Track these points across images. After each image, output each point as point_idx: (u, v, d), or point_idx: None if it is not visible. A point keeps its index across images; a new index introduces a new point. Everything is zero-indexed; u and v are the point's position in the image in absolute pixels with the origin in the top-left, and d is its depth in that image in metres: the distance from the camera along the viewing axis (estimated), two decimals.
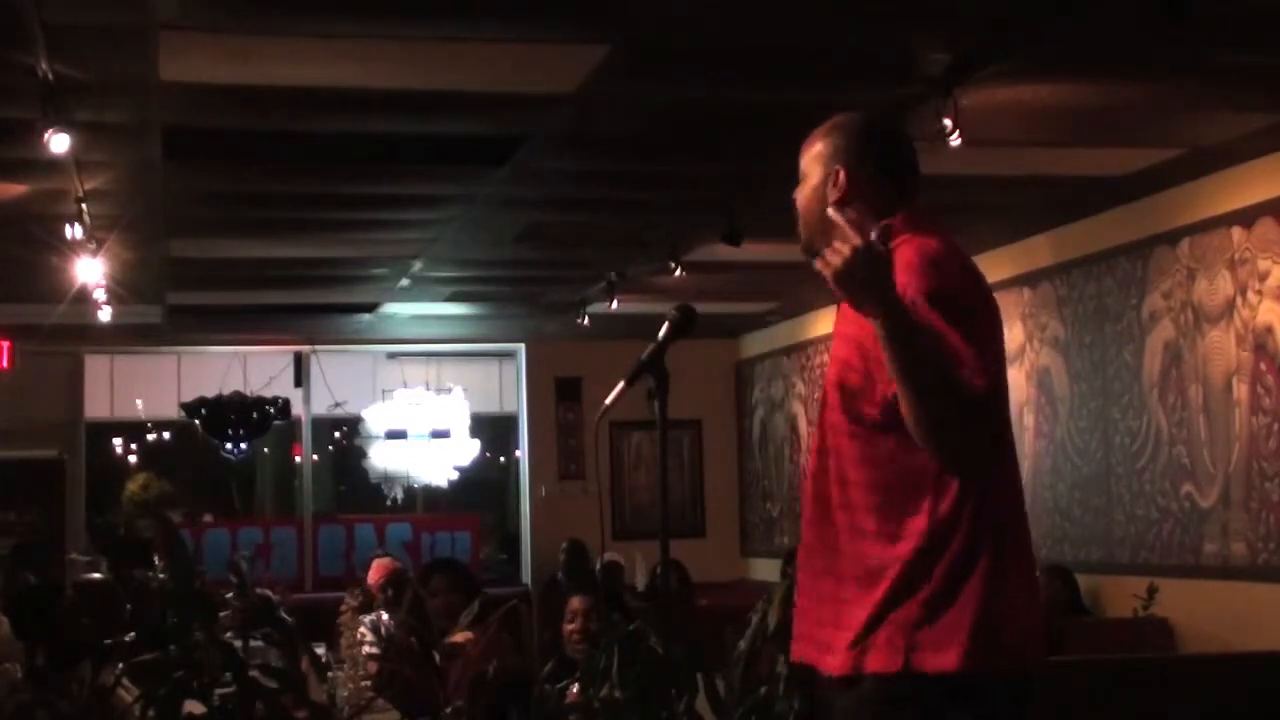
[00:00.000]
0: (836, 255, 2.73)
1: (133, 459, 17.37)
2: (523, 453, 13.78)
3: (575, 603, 6.13)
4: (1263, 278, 7.22)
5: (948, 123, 5.96)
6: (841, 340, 3.01)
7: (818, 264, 2.79)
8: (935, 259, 2.92)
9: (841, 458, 2.95)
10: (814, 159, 3.12)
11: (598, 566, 10.68)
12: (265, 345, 13.29)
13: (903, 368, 2.75)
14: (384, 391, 13.89)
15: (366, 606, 7.79)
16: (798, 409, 12.37)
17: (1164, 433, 7.93)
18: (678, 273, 8.99)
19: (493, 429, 15.07)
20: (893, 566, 2.86)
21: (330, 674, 5.67)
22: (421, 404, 13.74)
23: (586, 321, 11.32)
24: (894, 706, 2.84)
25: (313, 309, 11.91)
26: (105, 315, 10.26)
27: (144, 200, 7.80)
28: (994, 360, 2.90)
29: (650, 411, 3.21)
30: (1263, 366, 7.22)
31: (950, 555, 2.84)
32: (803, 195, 3.13)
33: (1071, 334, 8.79)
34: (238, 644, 4.35)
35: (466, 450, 13.95)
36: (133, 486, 16.25)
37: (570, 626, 6.06)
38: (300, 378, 13.33)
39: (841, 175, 3.05)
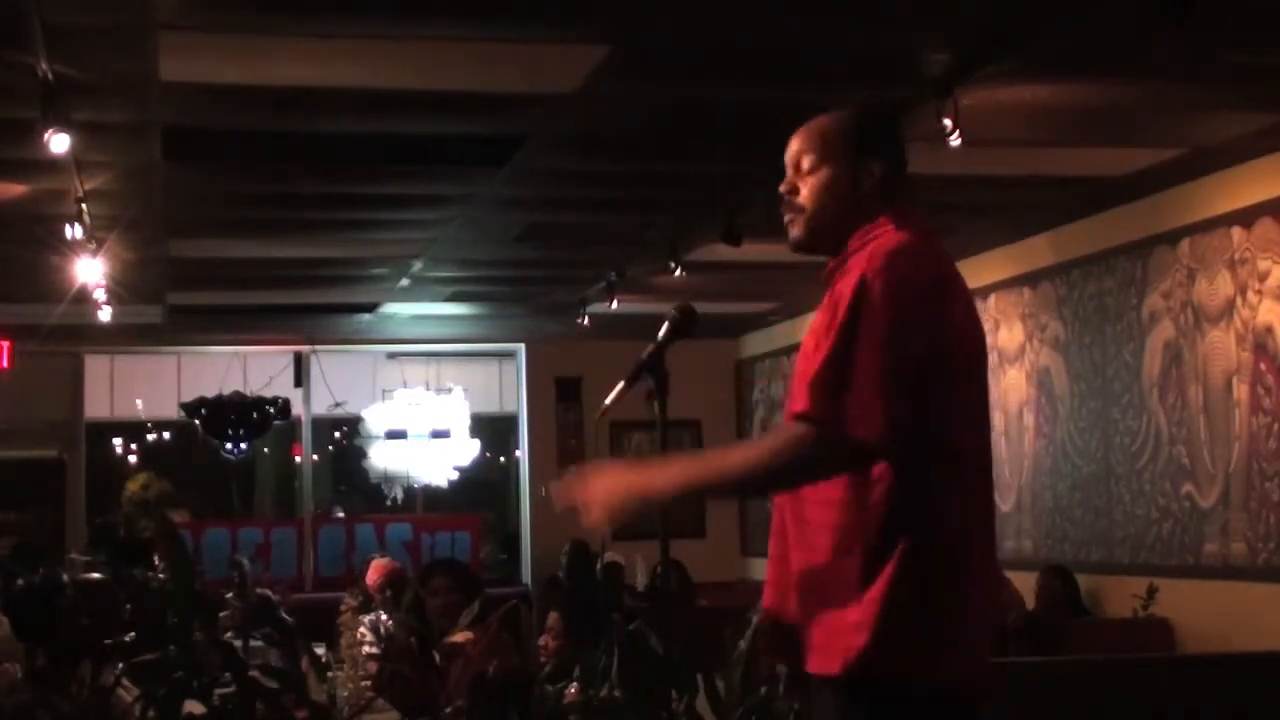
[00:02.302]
0: (592, 511, 2.87)
1: (133, 459, 17.38)
2: (523, 453, 13.78)
3: (550, 618, 6.17)
4: (1263, 278, 7.22)
5: (948, 123, 5.96)
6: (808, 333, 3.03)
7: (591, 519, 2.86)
8: (892, 254, 2.89)
9: None
10: (829, 146, 3.04)
11: (598, 567, 10.68)
12: (265, 345, 13.29)
13: (726, 493, 2.91)
14: (384, 391, 13.89)
15: (366, 606, 7.80)
16: None
17: (1164, 433, 7.93)
18: (678, 273, 8.99)
19: (493, 429, 15.07)
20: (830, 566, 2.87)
21: (330, 674, 5.67)
22: (421, 404, 13.74)
23: (586, 321, 11.32)
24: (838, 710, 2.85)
25: (313, 309, 11.91)
26: (105, 315, 10.26)
27: (144, 200, 7.80)
28: (868, 371, 2.81)
29: (650, 411, 3.21)
30: (1263, 366, 7.22)
31: (881, 560, 2.82)
32: (820, 183, 3.05)
33: (1071, 334, 8.79)
34: (238, 644, 4.34)
35: (466, 450, 13.95)
36: (133, 486, 16.27)
37: (541, 639, 6.10)
38: (300, 378, 13.32)
39: (878, 170, 3.03)
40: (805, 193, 3.06)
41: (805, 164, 3.06)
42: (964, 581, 2.86)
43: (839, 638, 2.83)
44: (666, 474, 2.90)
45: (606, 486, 2.87)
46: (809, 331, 3.01)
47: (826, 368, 2.81)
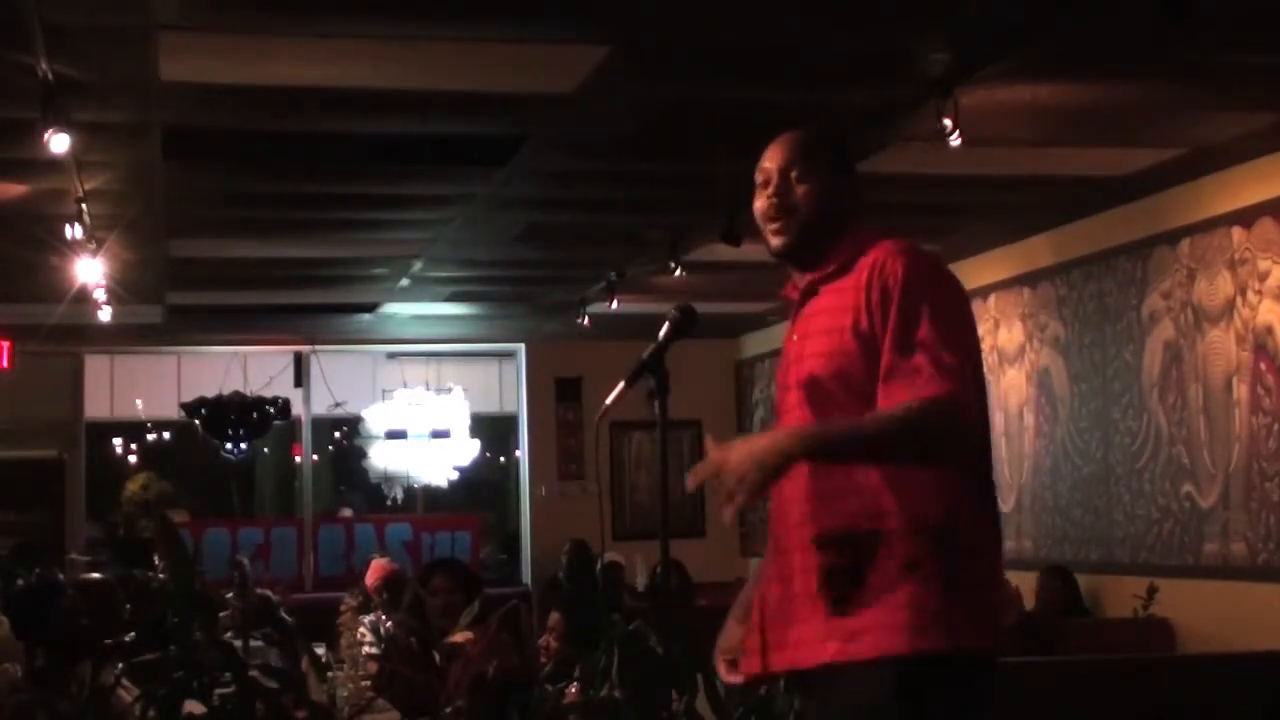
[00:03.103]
0: (734, 492, 2.83)
1: (133, 459, 17.39)
2: (523, 453, 13.78)
3: (552, 618, 6.17)
4: (1263, 278, 7.22)
5: (948, 123, 5.96)
6: (807, 339, 3.06)
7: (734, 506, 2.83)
8: (916, 250, 3.04)
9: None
10: (816, 161, 3.14)
11: (598, 567, 10.68)
12: (265, 345, 13.29)
13: (863, 457, 2.90)
14: (384, 391, 13.89)
15: (366, 606, 7.81)
16: None
17: (1164, 433, 7.93)
18: (678, 273, 8.99)
19: (493, 429, 15.08)
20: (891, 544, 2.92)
21: (330, 674, 5.68)
22: (421, 404, 13.74)
23: (586, 321, 11.32)
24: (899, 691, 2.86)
25: (313, 309, 11.91)
26: (105, 315, 10.26)
27: (144, 200, 7.80)
28: (961, 350, 2.96)
29: (650, 411, 3.21)
30: (1263, 366, 7.22)
31: (940, 535, 2.90)
32: (812, 193, 3.12)
33: (1071, 334, 8.79)
34: (238, 644, 4.34)
35: (466, 450, 13.95)
36: (133, 486, 16.28)
37: (542, 640, 6.10)
38: (300, 378, 13.32)
39: (853, 184, 3.16)
40: (799, 199, 3.12)
41: (795, 174, 3.12)
42: (990, 551, 3.00)
43: (890, 618, 2.86)
44: (800, 433, 2.91)
45: (743, 453, 2.84)
46: (818, 331, 3.04)
47: (931, 355, 2.89)
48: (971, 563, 2.91)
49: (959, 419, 2.87)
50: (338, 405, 13.41)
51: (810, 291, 3.10)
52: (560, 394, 13.42)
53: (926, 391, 2.85)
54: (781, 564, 3.05)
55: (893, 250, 3.00)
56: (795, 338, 3.11)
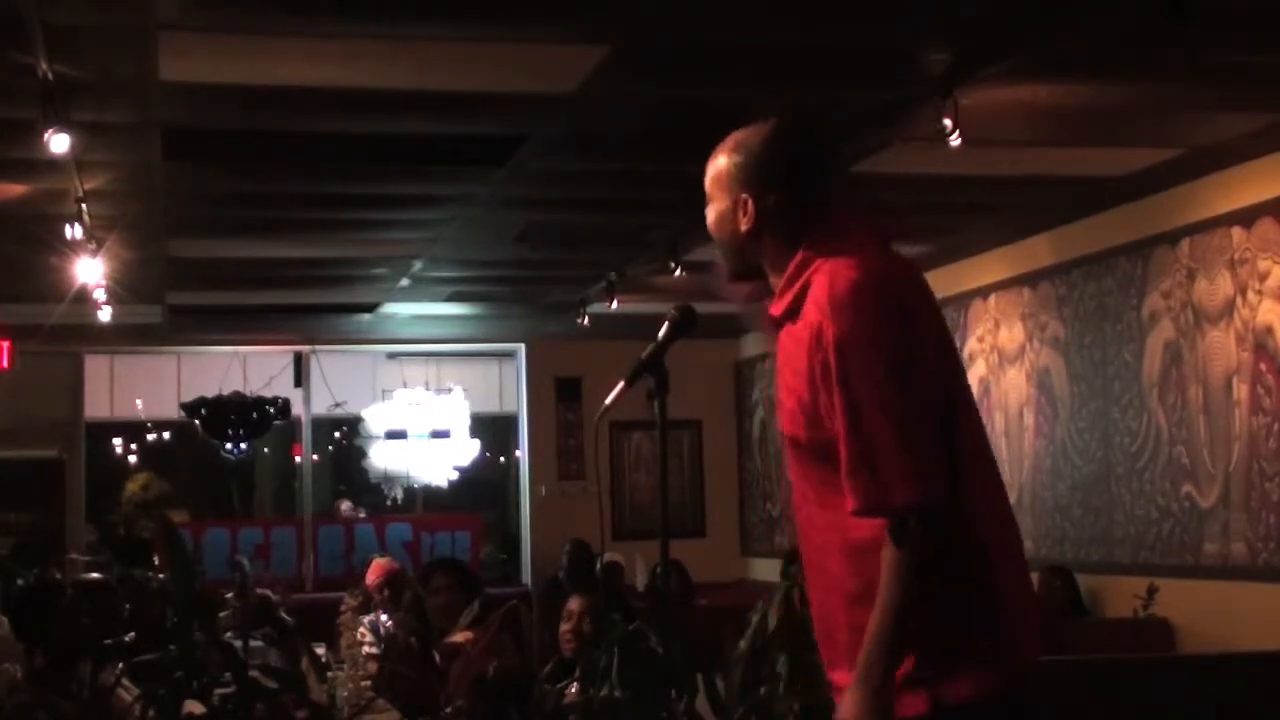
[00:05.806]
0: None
1: (133, 459, 17.39)
2: (523, 453, 13.78)
3: (573, 603, 6.13)
4: (1263, 278, 7.22)
5: (948, 123, 5.96)
6: (779, 376, 2.96)
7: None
8: (848, 295, 2.77)
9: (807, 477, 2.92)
10: (718, 182, 2.99)
11: (598, 567, 10.69)
12: (265, 345, 13.29)
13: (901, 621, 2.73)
14: (384, 391, 13.89)
15: (366, 606, 7.81)
16: None
17: (1164, 433, 7.93)
18: (678, 273, 8.99)
19: (493, 429, 15.07)
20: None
21: (330, 674, 5.68)
22: (421, 404, 13.74)
23: (586, 321, 11.32)
24: None
25: (313, 309, 11.92)
26: (105, 315, 10.26)
27: (144, 200, 7.80)
28: (910, 413, 2.75)
29: (650, 411, 3.21)
30: (1263, 366, 7.22)
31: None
32: (712, 221, 3.02)
33: (1071, 334, 8.79)
34: (238, 644, 4.35)
35: (466, 450, 13.95)
36: (133, 486, 16.28)
37: (565, 626, 6.06)
38: (300, 378, 13.32)
39: (750, 205, 2.94)
40: (709, 225, 3.04)
41: (706, 191, 3.03)
42: (994, 580, 2.83)
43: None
44: (870, 672, 2.72)
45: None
46: (782, 379, 2.93)
47: (860, 453, 2.73)
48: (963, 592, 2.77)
49: (914, 545, 2.70)
50: (338, 405, 13.41)
51: (777, 325, 2.97)
52: (560, 394, 13.42)
53: (889, 500, 2.70)
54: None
55: (829, 303, 2.77)
56: (779, 360, 2.98)
